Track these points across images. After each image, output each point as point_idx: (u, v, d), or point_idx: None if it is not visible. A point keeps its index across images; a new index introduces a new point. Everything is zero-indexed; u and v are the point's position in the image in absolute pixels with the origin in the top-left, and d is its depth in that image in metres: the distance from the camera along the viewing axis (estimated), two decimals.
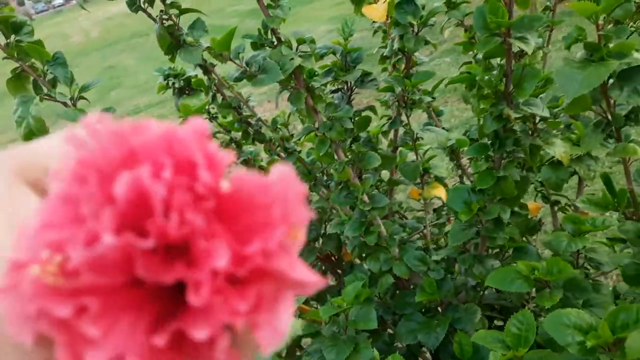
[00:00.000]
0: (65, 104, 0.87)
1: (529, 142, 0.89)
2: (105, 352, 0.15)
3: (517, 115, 0.83)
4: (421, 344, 1.16)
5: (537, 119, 0.91)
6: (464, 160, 1.26)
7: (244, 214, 0.17)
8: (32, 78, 0.86)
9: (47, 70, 0.85)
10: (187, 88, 1.20)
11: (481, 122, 0.88)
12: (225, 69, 1.08)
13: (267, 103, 4.08)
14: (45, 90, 0.85)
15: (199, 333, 0.16)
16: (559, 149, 0.92)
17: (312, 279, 0.16)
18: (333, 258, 1.33)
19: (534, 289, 1.11)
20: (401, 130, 1.14)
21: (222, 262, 0.15)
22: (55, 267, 0.15)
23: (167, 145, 0.16)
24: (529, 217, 1.22)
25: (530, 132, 0.91)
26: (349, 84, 1.04)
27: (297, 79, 0.94)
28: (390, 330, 1.16)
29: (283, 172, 0.17)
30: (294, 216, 0.17)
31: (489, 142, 0.89)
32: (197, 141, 0.17)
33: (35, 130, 0.82)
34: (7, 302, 0.15)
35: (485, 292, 1.10)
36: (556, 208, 1.29)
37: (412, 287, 1.10)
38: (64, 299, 0.15)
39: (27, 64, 0.84)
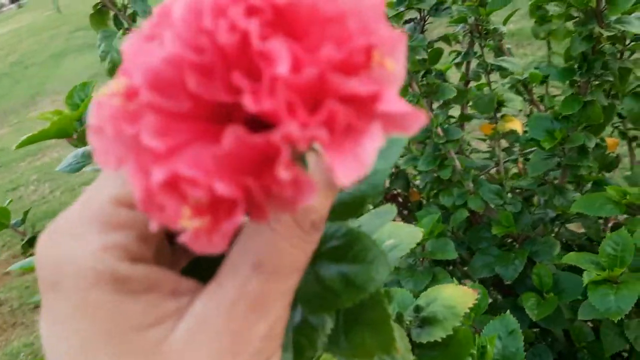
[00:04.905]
0: None
1: (618, 65, 0.85)
2: (169, 168, 0.14)
3: (609, 34, 0.79)
4: (495, 281, 1.15)
5: (628, 40, 0.86)
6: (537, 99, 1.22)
7: (314, 28, 0.15)
8: (112, 13, 0.86)
9: (128, 4, 0.85)
10: None
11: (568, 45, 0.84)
12: None
13: None
14: (125, 24, 0.86)
15: (258, 138, 0.14)
16: None
17: (406, 109, 0.14)
18: (400, 198, 1.33)
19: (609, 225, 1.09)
20: (474, 63, 1.11)
21: (282, 68, 0.14)
22: (119, 89, 0.15)
23: None
24: (607, 153, 1.18)
25: (619, 54, 0.86)
26: (422, 13, 1.01)
27: None
28: (464, 268, 1.15)
29: None
30: (375, 35, 0.15)
31: (576, 65, 0.85)
32: None
33: (119, 63, 0.83)
34: (97, 138, 0.16)
35: (562, 230, 1.08)
36: (634, 144, 1.24)
37: (487, 223, 1.08)
38: (132, 118, 0.15)
39: None
